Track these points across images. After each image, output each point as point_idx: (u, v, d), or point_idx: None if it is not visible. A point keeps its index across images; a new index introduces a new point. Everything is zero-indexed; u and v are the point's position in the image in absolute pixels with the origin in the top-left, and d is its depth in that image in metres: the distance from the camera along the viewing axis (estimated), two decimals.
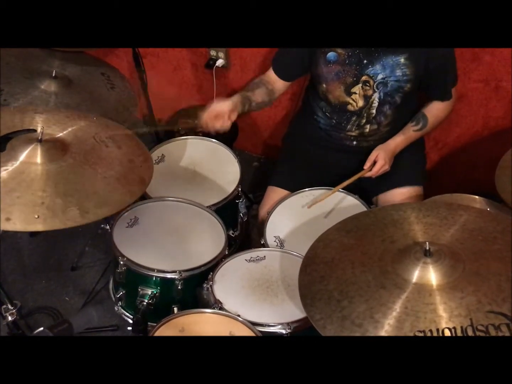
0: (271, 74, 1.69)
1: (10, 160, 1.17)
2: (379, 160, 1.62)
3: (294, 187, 1.73)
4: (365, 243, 1.18)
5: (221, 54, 2.17)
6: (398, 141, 1.66)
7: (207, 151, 1.82)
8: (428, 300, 1.00)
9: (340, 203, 1.66)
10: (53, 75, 1.60)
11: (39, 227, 1.08)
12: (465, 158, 2.06)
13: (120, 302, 1.57)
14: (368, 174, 1.63)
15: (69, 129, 1.31)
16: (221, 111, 1.48)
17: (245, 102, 1.58)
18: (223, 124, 1.50)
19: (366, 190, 1.76)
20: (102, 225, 1.59)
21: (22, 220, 1.06)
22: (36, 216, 1.07)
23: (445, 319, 0.96)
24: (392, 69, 1.54)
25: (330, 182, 1.76)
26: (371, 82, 1.57)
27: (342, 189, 1.65)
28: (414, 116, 1.68)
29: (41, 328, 1.22)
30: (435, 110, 1.67)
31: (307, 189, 1.70)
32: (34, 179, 1.15)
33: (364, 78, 1.57)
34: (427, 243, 1.07)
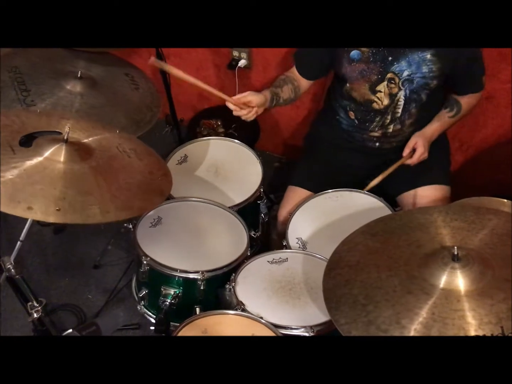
0: (295, 71, 1.69)
1: (35, 155, 1.19)
2: (418, 148, 1.60)
3: (314, 187, 1.72)
4: (391, 246, 1.16)
5: (243, 55, 2.17)
6: (434, 128, 1.64)
7: (229, 152, 1.82)
8: (456, 306, 0.98)
9: (364, 205, 1.64)
10: (78, 75, 1.61)
11: (59, 219, 1.09)
12: (491, 160, 2.02)
13: (142, 302, 1.58)
14: (408, 161, 1.62)
15: (94, 137, 1.33)
16: (251, 102, 1.49)
17: (274, 98, 1.59)
18: (248, 114, 1.50)
19: (391, 189, 1.73)
20: (125, 224, 1.60)
21: (43, 210, 1.07)
22: (57, 209, 1.08)
23: (474, 327, 0.94)
24: (418, 65, 1.51)
25: (351, 183, 1.75)
26: (397, 79, 1.54)
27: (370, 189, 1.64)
28: (447, 103, 1.65)
29: (70, 330, 1.23)
30: (466, 97, 1.64)
31: (330, 190, 1.69)
32: (57, 176, 1.16)
33: (389, 75, 1.54)
34: (455, 247, 1.05)
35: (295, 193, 1.74)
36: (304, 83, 1.69)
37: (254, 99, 1.49)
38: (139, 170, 1.32)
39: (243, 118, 1.52)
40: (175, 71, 1.44)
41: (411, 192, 1.70)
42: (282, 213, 1.74)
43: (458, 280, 1.03)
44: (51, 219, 1.08)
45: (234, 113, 1.50)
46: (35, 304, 1.40)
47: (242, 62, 2.18)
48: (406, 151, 1.61)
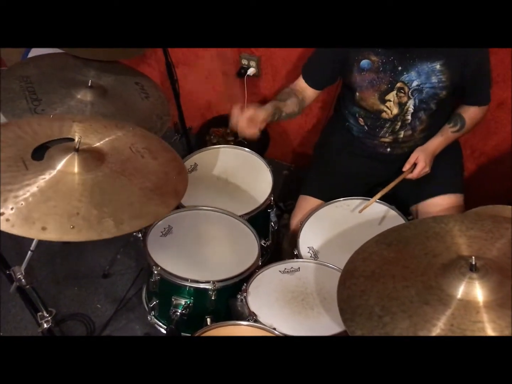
0: (301, 82, 1.67)
1: (47, 169, 1.18)
2: (419, 163, 1.59)
3: (326, 196, 1.71)
4: (407, 256, 1.14)
5: (252, 63, 2.17)
6: (436, 143, 1.63)
7: (239, 160, 1.82)
8: (475, 317, 0.96)
9: (376, 213, 1.62)
10: (89, 84, 1.61)
11: (74, 237, 1.07)
12: (503, 168, 2.00)
13: (153, 312, 1.57)
14: (409, 176, 1.60)
15: (106, 139, 1.32)
16: (254, 118, 1.47)
17: (276, 112, 1.57)
18: (253, 131, 1.48)
19: (404, 200, 1.72)
20: (134, 233, 1.60)
21: (57, 230, 1.06)
22: (72, 227, 1.07)
23: None
24: (427, 76, 1.51)
25: (363, 191, 1.74)
26: (406, 89, 1.53)
27: (379, 199, 1.62)
28: (450, 117, 1.64)
29: None
30: (471, 112, 1.63)
31: (341, 198, 1.68)
32: (71, 189, 1.15)
33: (398, 85, 1.54)
34: (473, 257, 1.03)
35: (307, 202, 1.72)
36: (310, 93, 1.68)
37: (255, 115, 1.46)
38: (153, 171, 1.29)
39: (248, 136, 1.48)
40: None
41: (424, 202, 1.68)
42: (294, 222, 1.73)
43: (476, 291, 1.00)
44: (66, 238, 1.06)
45: (240, 124, 1.46)
46: (45, 314, 1.40)
47: (251, 71, 2.18)
48: (406, 166, 1.60)
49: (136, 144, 1.34)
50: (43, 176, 1.15)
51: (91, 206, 1.12)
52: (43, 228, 1.05)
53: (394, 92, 1.55)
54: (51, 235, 1.05)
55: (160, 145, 1.40)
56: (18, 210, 1.06)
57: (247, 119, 1.45)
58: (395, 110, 1.58)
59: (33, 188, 1.11)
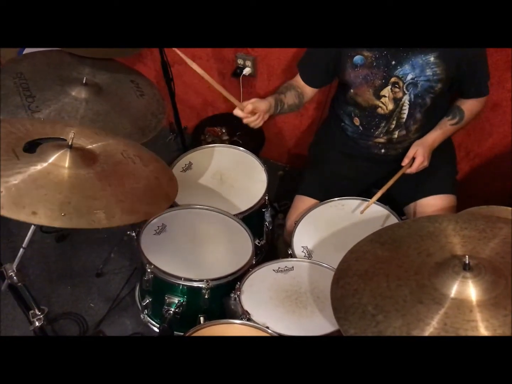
0: (299, 79, 1.68)
1: (39, 161, 1.17)
2: (418, 157, 1.59)
3: (322, 196, 1.71)
4: (401, 255, 1.14)
5: (248, 63, 2.16)
6: (435, 136, 1.63)
7: (234, 159, 1.81)
8: (469, 316, 0.96)
9: (370, 213, 1.62)
10: (84, 82, 1.60)
11: (64, 224, 1.07)
12: (498, 169, 2.01)
13: (146, 310, 1.56)
14: (408, 170, 1.60)
15: (99, 143, 1.32)
16: (257, 109, 1.48)
17: (278, 104, 1.58)
18: (257, 121, 1.50)
19: (398, 200, 1.72)
20: (128, 232, 1.59)
21: (48, 215, 1.05)
22: (63, 214, 1.07)
23: None
24: (421, 68, 1.50)
25: (358, 191, 1.74)
26: (401, 83, 1.53)
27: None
28: (449, 110, 1.64)
29: None
30: (470, 104, 1.63)
31: (335, 198, 1.68)
32: (62, 181, 1.15)
33: (393, 79, 1.53)
34: (467, 256, 1.03)
35: (303, 203, 1.72)
36: (309, 91, 1.69)
37: (259, 105, 1.49)
38: (144, 175, 1.30)
39: (251, 125, 1.51)
40: (196, 67, 1.45)
41: (417, 202, 1.69)
42: (290, 222, 1.72)
43: (470, 290, 1.00)
44: (56, 224, 1.06)
45: (244, 120, 1.49)
46: (37, 312, 1.39)
47: (246, 70, 2.18)
48: (405, 161, 1.60)
49: (127, 151, 1.34)
50: (34, 167, 1.15)
51: (82, 198, 1.12)
52: (34, 213, 1.04)
53: (389, 87, 1.54)
54: (42, 220, 1.04)
55: (150, 156, 1.41)
56: (8, 193, 1.05)
57: (250, 109, 1.46)
58: (391, 106, 1.58)
59: (24, 176, 1.11)
